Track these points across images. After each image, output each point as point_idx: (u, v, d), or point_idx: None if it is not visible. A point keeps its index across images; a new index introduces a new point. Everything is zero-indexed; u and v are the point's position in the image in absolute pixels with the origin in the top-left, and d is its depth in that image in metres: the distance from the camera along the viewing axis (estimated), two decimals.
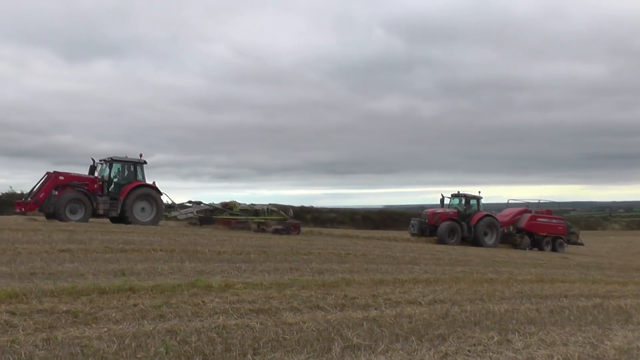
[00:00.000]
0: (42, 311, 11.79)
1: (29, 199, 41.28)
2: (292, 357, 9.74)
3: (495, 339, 11.56)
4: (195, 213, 47.59)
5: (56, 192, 40.63)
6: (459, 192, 56.14)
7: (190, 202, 48.93)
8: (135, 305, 12.74)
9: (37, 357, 9.08)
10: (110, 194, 42.57)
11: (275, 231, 46.25)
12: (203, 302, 13.54)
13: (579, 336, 12.35)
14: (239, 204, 50.33)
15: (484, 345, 11.08)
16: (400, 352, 10.30)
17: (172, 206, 47.10)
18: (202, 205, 48.58)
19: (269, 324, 11.81)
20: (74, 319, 11.35)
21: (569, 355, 10.60)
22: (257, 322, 11.93)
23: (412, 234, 54.39)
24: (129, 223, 40.39)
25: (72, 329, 10.66)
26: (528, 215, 56.57)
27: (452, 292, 17.55)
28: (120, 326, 11.03)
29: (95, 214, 41.66)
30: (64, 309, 12.00)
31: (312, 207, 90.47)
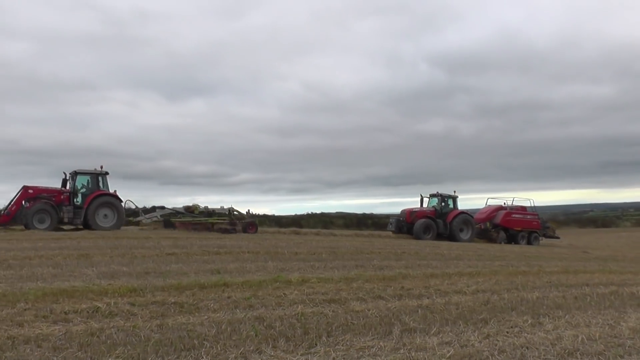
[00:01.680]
0: (155, 302, 12.04)
1: (3, 212, 39.40)
2: (359, 338, 9.76)
3: (529, 322, 11.51)
4: (159, 217, 44.57)
5: (27, 205, 38.99)
6: (437, 192, 51.88)
7: (154, 207, 46.61)
8: (229, 297, 12.87)
9: (152, 339, 9.30)
10: (77, 204, 40.54)
11: (223, 230, 42.16)
12: (284, 294, 13.59)
13: (599, 318, 12.24)
14: (200, 206, 45.88)
15: (520, 328, 11.04)
16: (450, 333, 10.31)
17: (137, 212, 44.72)
18: (165, 209, 45.44)
19: (339, 312, 11.83)
20: (181, 309, 11.55)
21: (591, 334, 10.55)
22: (329, 310, 11.95)
23: (392, 232, 50.73)
24: (93, 229, 38.39)
25: (179, 317, 10.87)
26: (503, 212, 52.57)
27: (492, 283, 17.38)
28: (218, 314, 11.19)
29: (61, 222, 39.73)
30: (172, 300, 12.23)
31: (372, 213, 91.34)
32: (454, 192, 51.86)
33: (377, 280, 16.72)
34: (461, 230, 49.16)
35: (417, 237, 47.10)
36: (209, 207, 45.36)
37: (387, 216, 56.45)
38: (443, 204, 50.81)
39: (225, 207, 45.93)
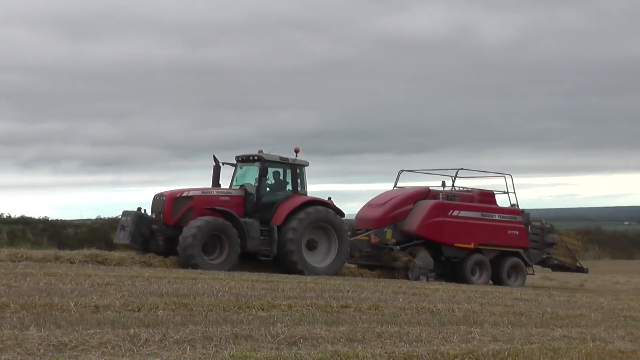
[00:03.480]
0: None
1: None
2: None
3: None
4: None
5: None
6: (259, 153, 26.60)
7: None
8: None
9: None
10: None
11: None
12: None
13: None
14: None
15: None
16: None
17: None
18: None
19: None
20: None
21: None
22: None
23: (127, 244, 25.57)
24: None
25: None
26: (429, 203, 27.51)
27: None
28: None
29: None
30: None
31: None
32: (296, 153, 25.98)
33: None
34: (312, 246, 25.29)
35: (187, 262, 22.97)
36: None
37: None
38: (270, 179, 25.77)
39: None
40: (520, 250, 28.70)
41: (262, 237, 24.56)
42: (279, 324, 12.06)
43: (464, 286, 24.05)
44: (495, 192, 29.68)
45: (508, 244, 28.47)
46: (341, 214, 26.01)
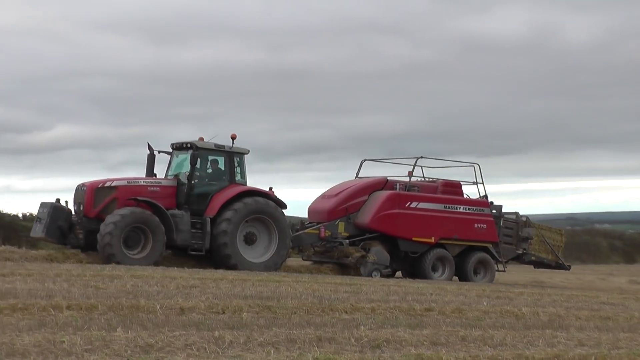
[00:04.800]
0: None
1: None
2: None
3: None
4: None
5: None
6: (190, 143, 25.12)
7: None
8: None
9: None
10: None
11: None
12: None
13: None
14: None
15: None
16: None
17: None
18: None
19: None
20: None
21: None
22: None
23: (43, 238, 23.81)
24: None
25: None
26: (384, 194, 25.26)
27: None
28: None
29: None
30: None
31: None
32: (232, 140, 23.90)
33: None
34: (251, 239, 23.28)
35: (106, 257, 21.44)
36: None
37: None
38: (205, 168, 24.02)
39: None
40: (489, 245, 26.37)
41: (193, 230, 22.47)
42: (362, 327, 12.03)
43: (549, 289, 23.47)
44: (462, 183, 27.34)
45: (474, 238, 26.10)
46: (283, 205, 23.90)
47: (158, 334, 10.38)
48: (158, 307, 13.03)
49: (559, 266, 28.96)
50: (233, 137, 23.88)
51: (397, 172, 27.41)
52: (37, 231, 22.90)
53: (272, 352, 9.72)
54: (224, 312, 13.34)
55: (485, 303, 17.23)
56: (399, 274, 26.16)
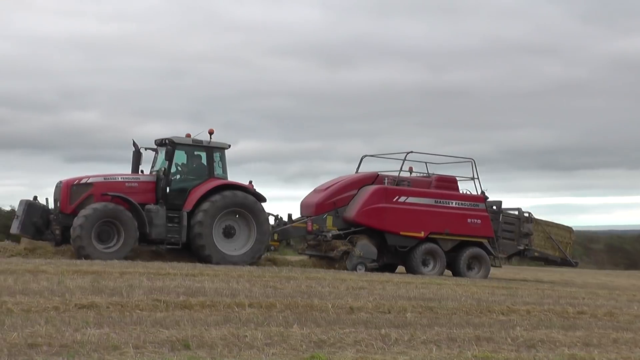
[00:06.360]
0: None
1: None
2: None
3: None
4: None
5: None
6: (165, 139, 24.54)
7: None
8: None
9: None
10: None
11: None
12: None
13: None
14: None
15: None
16: None
17: None
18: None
19: None
20: None
21: None
22: None
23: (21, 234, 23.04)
24: None
25: None
26: (371, 189, 24.24)
27: None
28: None
29: None
30: None
31: None
32: (210, 135, 23.02)
33: None
34: (229, 233, 22.49)
35: (78, 252, 21.15)
36: None
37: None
38: (184, 163, 23.34)
39: None
40: (484, 241, 24.86)
41: (169, 225, 21.57)
42: (518, 328, 12.16)
43: None
44: (458, 179, 25.88)
45: (467, 233, 24.65)
46: (262, 199, 22.88)
47: (330, 331, 10.82)
48: (330, 306, 13.40)
49: (565, 262, 27.54)
50: (210, 132, 22.97)
51: (415, 168, 26.26)
52: (14, 228, 22.64)
53: (434, 349, 10.02)
54: (389, 312, 13.61)
55: (636, 307, 17.02)
56: (401, 268, 25.09)
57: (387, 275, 21.13)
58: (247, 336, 9.78)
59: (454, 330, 11.45)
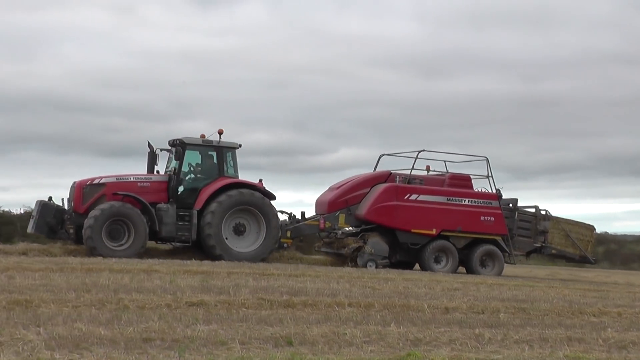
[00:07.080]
0: None
1: None
2: None
3: None
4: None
5: None
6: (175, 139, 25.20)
7: None
8: None
9: None
10: None
11: None
12: None
13: None
14: None
15: None
16: None
17: None
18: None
19: None
20: None
21: None
22: None
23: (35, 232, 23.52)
24: None
25: None
26: (382, 187, 23.94)
27: None
28: None
29: None
30: None
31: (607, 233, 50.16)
32: (219, 135, 23.20)
33: None
34: (240, 230, 22.57)
35: (90, 250, 21.37)
36: None
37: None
38: (195, 163, 23.39)
39: None
40: (498, 238, 24.40)
41: (180, 223, 21.65)
42: (609, 329, 12.25)
43: None
44: (472, 177, 25.43)
45: (480, 230, 24.21)
46: (271, 197, 22.74)
47: (426, 330, 11.06)
48: (426, 306, 13.61)
49: (584, 260, 26.86)
50: (220, 132, 23.01)
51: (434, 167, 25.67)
52: (29, 227, 22.85)
53: (526, 349, 10.19)
54: (483, 312, 13.75)
55: None
56: (417, 266, 24.51)
57: (480, 277, 21.31)
58: (346, 334, 10.05)
59: (546, 331, 11.60)
